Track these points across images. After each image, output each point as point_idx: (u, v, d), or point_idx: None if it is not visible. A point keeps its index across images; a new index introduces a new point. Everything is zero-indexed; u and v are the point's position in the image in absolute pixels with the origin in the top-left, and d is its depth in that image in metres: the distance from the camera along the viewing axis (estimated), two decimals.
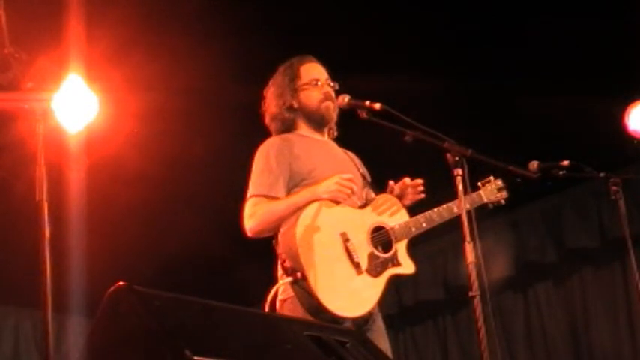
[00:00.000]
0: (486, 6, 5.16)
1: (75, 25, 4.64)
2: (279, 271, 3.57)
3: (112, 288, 2.32)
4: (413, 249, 3.71)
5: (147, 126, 5.57)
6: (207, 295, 2.58)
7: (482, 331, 3.13)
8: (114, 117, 4.74)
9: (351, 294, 3.45)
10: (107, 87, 4.19)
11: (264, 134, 3.77)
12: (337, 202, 3.55)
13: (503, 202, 3.93)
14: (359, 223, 3.59)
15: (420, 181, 3.79)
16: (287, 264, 3.44)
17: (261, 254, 3.86)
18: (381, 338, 3.57)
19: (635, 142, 5.23)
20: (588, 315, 6.86)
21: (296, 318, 3.34)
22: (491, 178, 3.90)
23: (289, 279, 3.43)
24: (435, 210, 3.74)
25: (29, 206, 2.97)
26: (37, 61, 3.25)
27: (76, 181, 5.45)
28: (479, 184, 3.87)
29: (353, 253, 3.49)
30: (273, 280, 3.58)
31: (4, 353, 7.64)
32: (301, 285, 3.39)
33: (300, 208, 3.50)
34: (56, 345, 5.21)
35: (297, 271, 3.40)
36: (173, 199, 6.45)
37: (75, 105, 3.74)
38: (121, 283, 2.32)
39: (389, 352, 3.48)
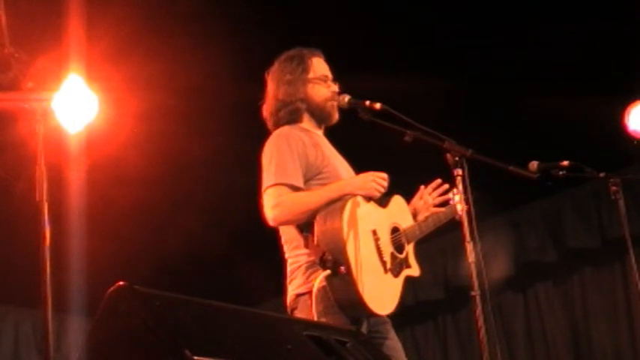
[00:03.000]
0: (487, 6, 5.16)
1: (75, 25, 4.64)
2: (293, 264, 3.52)
3: (112, 288, 2.32)
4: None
5: (147, 126, 5.57)
6: (207, 295, 2.58)
7: (483, 330, 3.13)
8: (114, 117, 4.74)
9: (381, 292, 3.46)
10: (107, 87, 4.19)
11: (264, 134, 3.75)
12: (368, 199, 3.54)
13: (457, 217, 3.76)
14: (383, 222, 3.59)
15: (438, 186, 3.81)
16: (328, 256, 3.37)
17: (261, 254, 3.86)
18: (396, 338, 3.60)
19: (635, 142, 5.23)
20: (588, 315, 6.86)
21: (296, 318, 3.34)
22: (454, 190, 3.69)
23: (328, 272, 3.36)
24: (434, 216, 3.79)
25: (29, 206, 2.97)
26: (37, 61, 3.25)
27: (76, 181, 5.45)
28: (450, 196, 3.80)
29: (382, 252, 3.50)
30: (283, 274, 3.56)
31: (4, 353, 7.64)
32: (343, 278, 3.34)
33: (332, 202, 3.45)
34: (56, 345, 5.22)
35: (340, 265, 3.34)
36: (173, 199, 6.44)
37: (75, 105, 3.74)
38: (121, 283, 2.32)
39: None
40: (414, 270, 3.67)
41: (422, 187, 3.86)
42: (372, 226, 3.51)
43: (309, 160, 3.57)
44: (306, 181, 3.56)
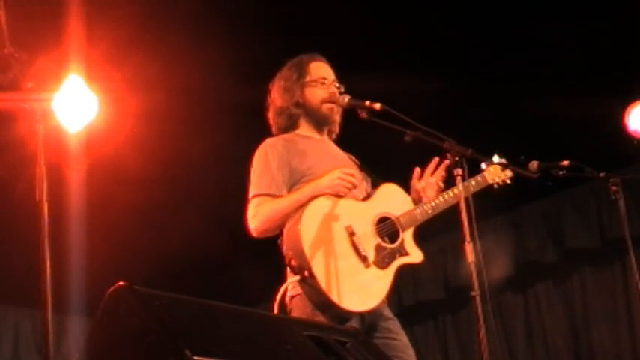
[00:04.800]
0: (488, 6, 5.16)
1: (75, 26, 4.65)
2: (288, 269, 3.55)
3: (112, 288, 2.32)
4: None
5: (147, 126, 5.57)
6: (207, 295, 2.58)
7: (483, 330, 3.12)
8: (114, 117, 4.74)
9: (360, 288, 3.44)
10: (107, 87, 4.19)
11: (264, 134, 3.77)
12: (339, 196, 3.54)
13: (509, 181, 3.87)
14: (363, 215, 3.57)
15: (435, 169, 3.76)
16: (293, 262, 3.41)
17: (261, 254, 3.85)
18: (402, 336, 3.58)
19: (635, 142, 5.23)
20: (588, 315, 6.86)
21: (296, 318, 3.34)
22: (496, 157, 3.80)
23: (297, 277, 3.40)
24: (440, 197, 3.72)
25: (29, 206, 2.97)
26: (37, 61, 3.25)
27: (76, 181, 5.46)
28: (482, 165, 3.81)
29: (359, 247, 3.47)
30: (283, 279, 3.56)
31: (4, 353, 7.64)
32: (309, 283, 3.37)
33: (303, 204, 3.48)
34: (56, 345, 5.22)
35: (304, 269, 3.37)
36: (173, 199, 6.45)
37: (75, 105, 3.74)
38: (121, 283, 2.32)
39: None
40: (414, 257, 3.62)
41: (416, 169, 3.78)
42: (347, 222, 3.50)
43: (291, 166, 3.62)
44: (291, 186, 3.60)
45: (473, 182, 3.77)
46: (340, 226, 3.48)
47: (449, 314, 7.62)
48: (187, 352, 2.12)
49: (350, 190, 3.57)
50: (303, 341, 2.58)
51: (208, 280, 6.66)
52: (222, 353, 2.22)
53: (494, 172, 3.86)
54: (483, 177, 3.84)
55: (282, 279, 3.58)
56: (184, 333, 2.23)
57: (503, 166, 3.83)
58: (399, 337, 3.56)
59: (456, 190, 3.56)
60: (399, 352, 3.49)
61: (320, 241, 3.40)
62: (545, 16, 5.20)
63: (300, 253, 3.38)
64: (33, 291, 2.82)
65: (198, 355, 2.12)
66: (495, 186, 3.88)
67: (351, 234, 3.48)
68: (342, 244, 3.46)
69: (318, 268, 3.36)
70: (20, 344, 7.75)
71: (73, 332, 7.48)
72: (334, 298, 3.34)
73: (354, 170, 3.72)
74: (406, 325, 3.70)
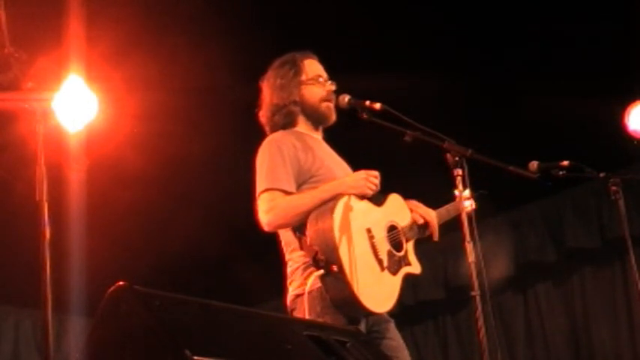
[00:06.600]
0: (488, 6, 5.16)
1: (75, 26, 4.65)
2: (292, 265, 3.54)
3: (112, 288, 2.32)
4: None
5: (146, 126, 5.57)
6: (207, 295, 2.58)
7: (483, 330, 3.13)
8: (114, 117, 4.75)
9: (379, 289, 3.46)
10: (107, 87, 4.19)
11: (263, 134, 3.76)
12: (361, 198, 3.54)
13: (471, 209, 3.81)
14: (379, 220, 3.59)
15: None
16: (320, 256, 3.38)
17: (261, 254, 3.86)
18: (398, 338, 3.59)
19: (635, 142, 5.24)
20: (588, 315, 6.86)
21: (297, 318, 3.34)
22: (461, 188, 3.84)
23: (321, 271, 3.38)
24: (440, 211, 3.80)
25: (29, 206, 2.97)
26: (37, 61, 3.25)
27: (76, 181, 5.45)
28: (455, 193, 3.84)
29: (378, 250, 3.49)
30: (283, 278, 3.56)
31: (4, 353, 7.64)
32: (336, 277, 3.34)
33: (324, 202, 3.46)
34: (56, 345, 5.22)
35: (332, 264, 3.35)
36: (173, 199, 6.45)
37: (75, 105, 3.75)
38: (121, 283, 2.32)
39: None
40: (415, 268, 3.66)
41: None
42: (367, 224, 3.51)
43: (300, 164, 3.58)
44: (300, 185, 3.57)
45: (445, 212, 3.84)
46: (362, 227, 3.49)
47: (449, 314, 7.62)
48: (187, 352, 2.12)
49: (374, 191, 3.58)
50: (304, 341, 2.58)
51: (208, 280, 6.67)
52: (222, 353, 2.22)
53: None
54: (454, 206, 3.81)
55: (282, 279, 3.59)
56: (184, 333, 2.23)
57: (467, 199, 3.83)
58: (395, 339, 3.57)
59: (452, 209, 3.76)
60: (396, 352, 3.51)
61: (347, 239, 3.40)
62: (546, 16, 5.20)
63: (331, 248, 3.36)
64: (33, 291, 2.81)
65: (198, 355, 2.12)
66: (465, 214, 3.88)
67: (371, 237, 3.50)
68: (364, 245, 3.46)
69: (347, 264, 3.35)
70: (20, 344, 7.74)
71: (73, 332, 7.48)
72: (359, 294, 3.33)
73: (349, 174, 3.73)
74: (406, 325, 3.71)
